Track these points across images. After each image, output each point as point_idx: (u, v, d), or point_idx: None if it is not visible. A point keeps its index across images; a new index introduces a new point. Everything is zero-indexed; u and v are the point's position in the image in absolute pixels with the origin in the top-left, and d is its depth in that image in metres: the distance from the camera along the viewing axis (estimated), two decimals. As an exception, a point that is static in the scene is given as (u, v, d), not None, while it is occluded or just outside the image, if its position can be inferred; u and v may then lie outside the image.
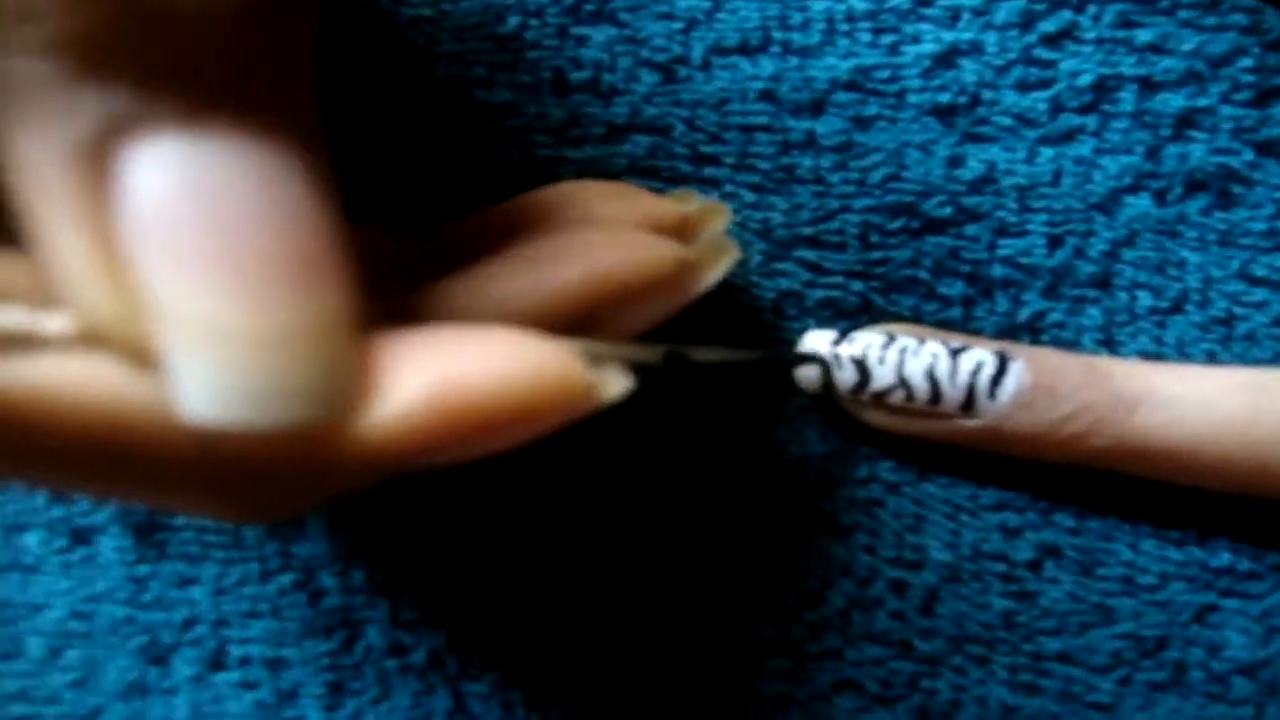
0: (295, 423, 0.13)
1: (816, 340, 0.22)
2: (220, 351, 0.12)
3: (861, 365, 0.22)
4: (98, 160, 0.12)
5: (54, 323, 0.13)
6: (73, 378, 0.13)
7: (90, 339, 0.13)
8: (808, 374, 0.22)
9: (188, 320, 0.12)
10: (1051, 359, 0.22)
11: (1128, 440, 0.21)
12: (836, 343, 0.22)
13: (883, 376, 0.22)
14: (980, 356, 0.22)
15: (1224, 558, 0.23)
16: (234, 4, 0.13)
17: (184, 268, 0.12)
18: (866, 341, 0.22)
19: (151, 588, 0.24)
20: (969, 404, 0.22)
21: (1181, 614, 0.22)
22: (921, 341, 0.22)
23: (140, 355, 0.13)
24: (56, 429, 0.13)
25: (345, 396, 0.13)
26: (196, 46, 0.13)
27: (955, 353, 0.22)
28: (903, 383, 0.22)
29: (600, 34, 0.25)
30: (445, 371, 0.14)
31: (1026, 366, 0.22)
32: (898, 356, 0.22)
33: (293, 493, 0.14)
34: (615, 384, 0.16)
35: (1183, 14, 0.25)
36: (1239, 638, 0.22)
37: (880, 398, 0.22)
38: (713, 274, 0.21)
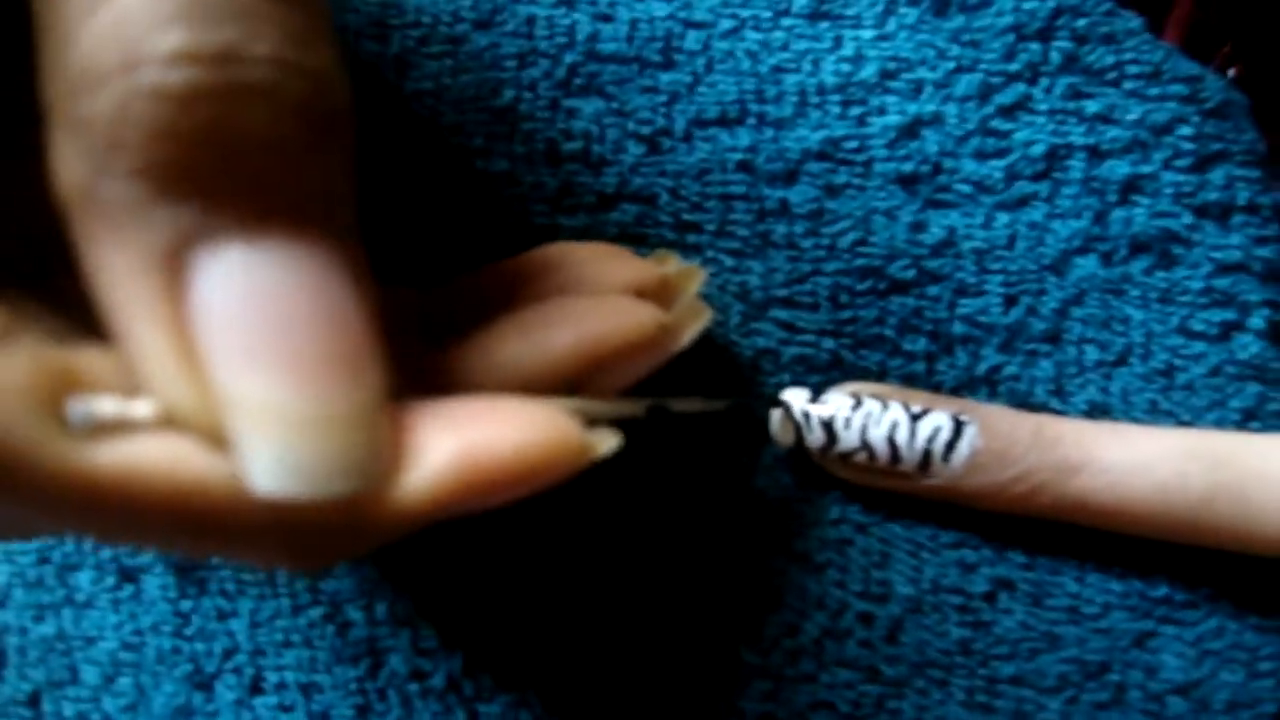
0: (343, 493, 0.15)
1: (793, 398, 0.24)
2: (281, 434, 0.14)
3: (829, 428, 0.24)
4: (172, 268, 0.14)
5: (140, 409, 0.15)
6: (158, 457, 0.15)
7: (171, 423, 0.15)
8: (781, 434, 0.24)
9: (253, 408, 0.14)
10: (1004, 423, 0.24)
11: (1069, 501, 0.23)
12: (811, 400, 0.24)
13: (848, 440, 0.23)
14: (938, 421, 0.23)
15: (1161, 589, 0.24)
16: (300, 131, 0.14)
17: (248, 363, 0.14)
18: (835, 405, 0.24)
19: (194, 621, 0.25)
20: (925, 466, 0.23)
21: (1122, 640, 0.24)
22: (885, 406, 0.24)
23: (214, 437, 0.15)
24: (145, 501, 0.14)
25: (383, 467, 0.15)
26: (258, 169, 0.14)
27: (915, 418, 0.23)
28: (865, 445, 0.23)
29: (589, 106, 0.27)
30: (469, 440, 0.16)
31: (979, 432, 0.23)
32: (862, 421, 0.23)
33: (337, 547, 0.16)
34: (606, 441, 0.18)
35: (1128, 85, 0.27)
36: (1174, 661, 0.24)
37: (846, 457, 0.24)
38: (689, 334, 0.22)
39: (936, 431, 0.23)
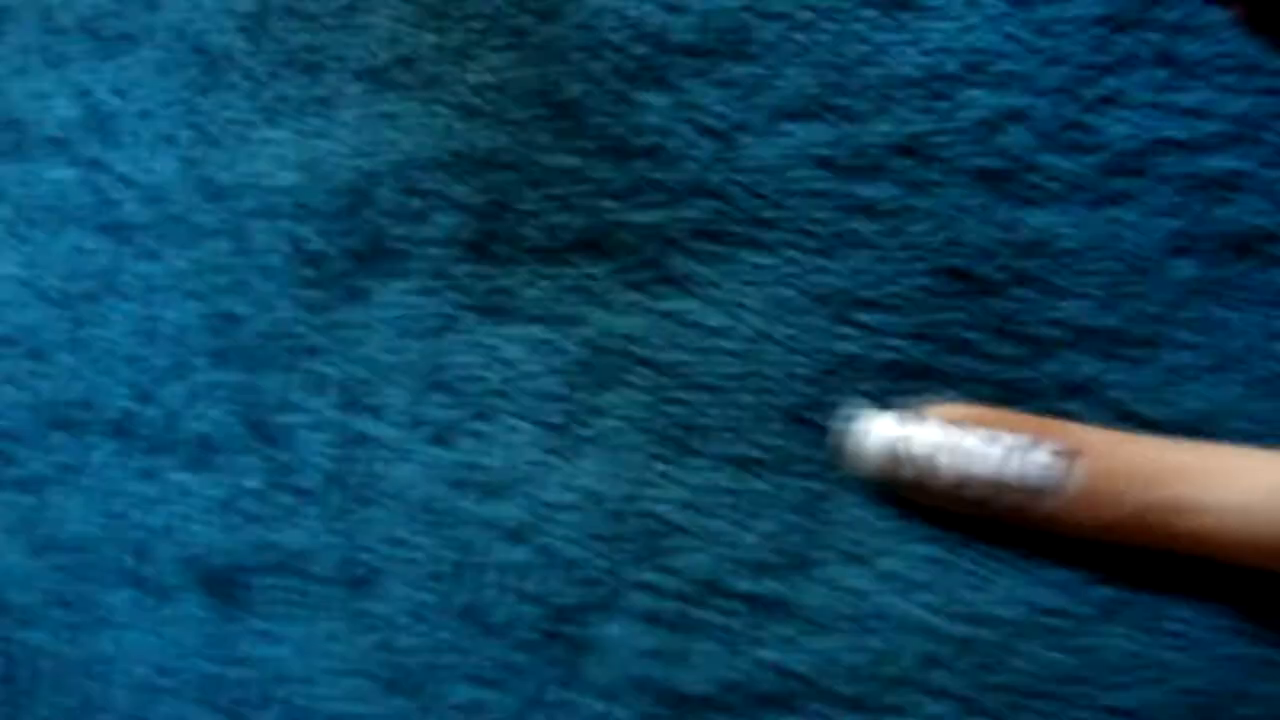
0: None
1: (879, 430, 0.21)
2: None
3: (922, 464, 0.20)
4: None
5: None
6: None
7: None
8: (870, 465, 0.21)
9: None
10: (1111, 459, 0.20)
11: (1185, 541, 0.20)
12: (899, 424, 0.21)
13: (944, 479, 0.20)
14: (1041, 459, 0.20)
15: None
16: None
17: None
18: (932, 440, 0.20)
19: (237, 645, 0.22)
20: (1026, 505, 0.20)
21: (1242, 668, 0.21)
22: (989, 443, 0.20)
23: None
24: None
25: None
26: None
27: (1019, 452, 0.20)
28: (963, 483, 0.20)
29: (660, 100, 0.23)
30: None
31: (1086, 469, 0.20)
32: (962, 461, 0.20)
33: None
34: None
35: (1221, 79, 0.23)
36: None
37: (941, 493, 0.20)
38: None
39: (1041, 469, 0.20)
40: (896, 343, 0.22)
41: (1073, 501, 0.20)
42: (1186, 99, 0.23)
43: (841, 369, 0.22)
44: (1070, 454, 0.20)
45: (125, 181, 0.24)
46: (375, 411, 0.22)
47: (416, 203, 0.23)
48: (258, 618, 0.22)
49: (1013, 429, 0.21)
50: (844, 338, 0.22)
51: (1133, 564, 0.21)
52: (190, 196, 0.23)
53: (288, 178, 0.24)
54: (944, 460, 0.20)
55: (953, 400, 0.22)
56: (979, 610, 0.21)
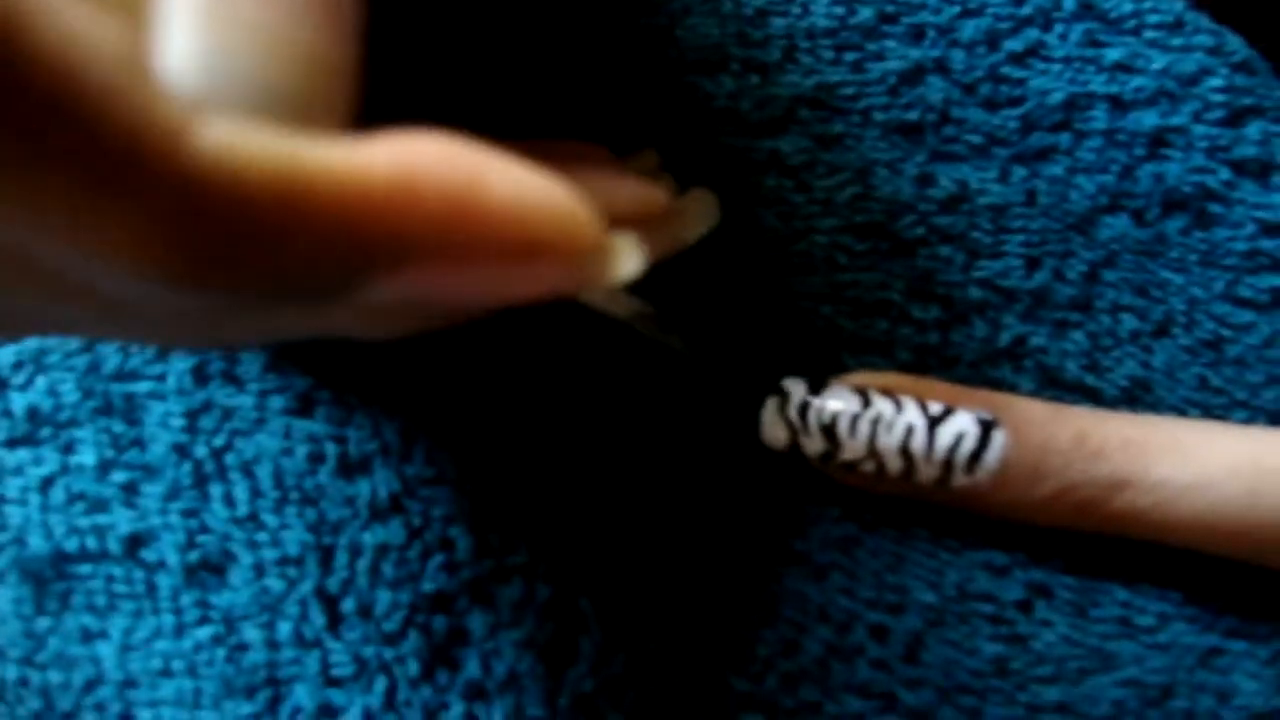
0: (253, 97, 0.09)
1: (784, 397, 0.18)
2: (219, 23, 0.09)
3: (831, 434, 0.17)
4: None
5: None
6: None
7: None
8: (772, 435, 0.18)
9: None
10: (1040, 428, 0.17)
11: (1118, 520, 0.17)
12: (810, 391, 0.18)
13: (853, 449, 0.17)
14: (960, 427, 0.17)
15: (1229, 595, 0.18)
16: None
17: None
18: (838, 405, 0.17)
19: (50, 644, 0.18)
20: (945, 478, 0.17)
21: (1186, 658, 0.18)
22: (898, 407, 0.17)
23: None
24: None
25: (309, 116, 0.10)
26: None
27: (934, 422, 0.17)
28: (874, 454, 0.17)
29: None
30: (433, 149, 0.10)
31: (1010, 439, 0.17)
32: (871, 426, 0.17)
33: (255, 242, 0.09)
34: (628, 259, 0.11)
35: (1149, 34, 0.21)
36: (1249, 683, 0.18)
37: (850, 467, 0.17)
38: (698, 226, 0.17)
39: (959, 439, 0.17)
40: (804, 305, 0.19)
41: (996, 477, 0.17)
42: (1112, 53, 0.21)
43: (744, 330, 0.19)
44: (992, 423, 0.17)
45: None
46: (229, 378, 0.19)
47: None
48: (75, 612, 0.18)
49: (929, 397, 0.18)
50: (746, 299, 0.19)
51: (1065, 544, 0.18)
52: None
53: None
54: (853, 430, 0.17)
55: (866, 367, 0.19)
56: (896, 596, 0.18)
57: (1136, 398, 0.19)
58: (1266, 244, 0.20)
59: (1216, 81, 0.21)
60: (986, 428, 0.17)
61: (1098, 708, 0.17)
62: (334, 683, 0.18)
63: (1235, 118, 0.21)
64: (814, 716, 0.17)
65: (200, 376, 0.19)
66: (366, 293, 0.10)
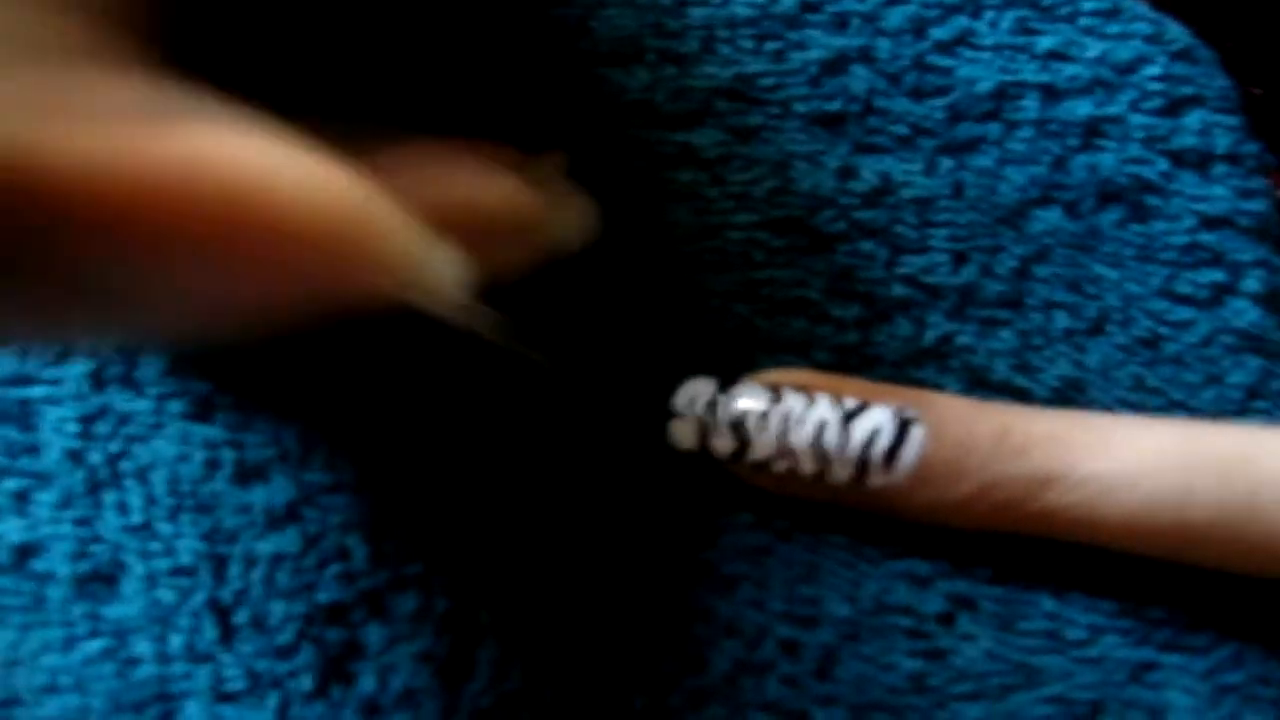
0: None
1: (693, 394, 0.17)
2: None
3: (740, 431, 0.16)
4: None
5: None
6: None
7: None
8: (680, 435, 0.17)
9: None
10: (960, 423, 0.16)
11: (1043, 518, 0.16)
12: (718, 391, 0.17)
13: (763, 446, 0.16)
14: (876, 421, 0.16)
15: (1161, 607, 0.17)
16: None
17: None
18: (747, 400, 0.16)
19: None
20: (860, 476, 0.16)
21: (1116, 673, 0.16)
22: (810, 402, 0.16)
23: None
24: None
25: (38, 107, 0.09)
26: None
27: (848, 417, 0.16)
28: (786, 452, 0.16)
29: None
30: (220, 145, 0.09)
31: (929, 434, 0.16)
32: (781, 423, 0.16)
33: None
34: (446, 266, 0.10)
35: (1084, 21, 0.20)
36: (1183, 699, 0.16)
37: (761, 466, 0.16)
38: (565, 227, 0.15)
39: (875, 435, 0.16)
40: (716, 303, 0.18)
41: (913, 475, 0.16)
42: (1045, 41, 0.20)
43: (653, 330, 0.18)
44: (910, 419, 0.16)
45: None
46: (126, 381, 0.18)
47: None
48: (-35, 624, 0.17)
49: (844, 394, 0.17)
50: (656, 298, 0.18)
51: (991, 552, 0.17)
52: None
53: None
54: (763, 426, 0.16)
55: (781, 367, 0.18)
56: (809, 609, 0.17)
57: (1069, 398, 0.18)
58: (1206, 237, 0.19)
59: (1154, 70, 0.20)
60: (904, 424, 0.16)
61: (1021, 725, 0.16)
62: (226, 698, 0.17)
63: (1174, 107, 0.19)
64: (720, 734, 0.16)
65: (97, 381, 0.18)
66: (116, 277, 0.09)
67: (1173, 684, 0.16)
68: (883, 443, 0.16)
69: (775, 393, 0.16)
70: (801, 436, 0.16)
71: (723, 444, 0.16)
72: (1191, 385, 0.18)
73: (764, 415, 0.16)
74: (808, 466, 0.16)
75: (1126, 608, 0.17)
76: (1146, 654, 0.17)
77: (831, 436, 0.16)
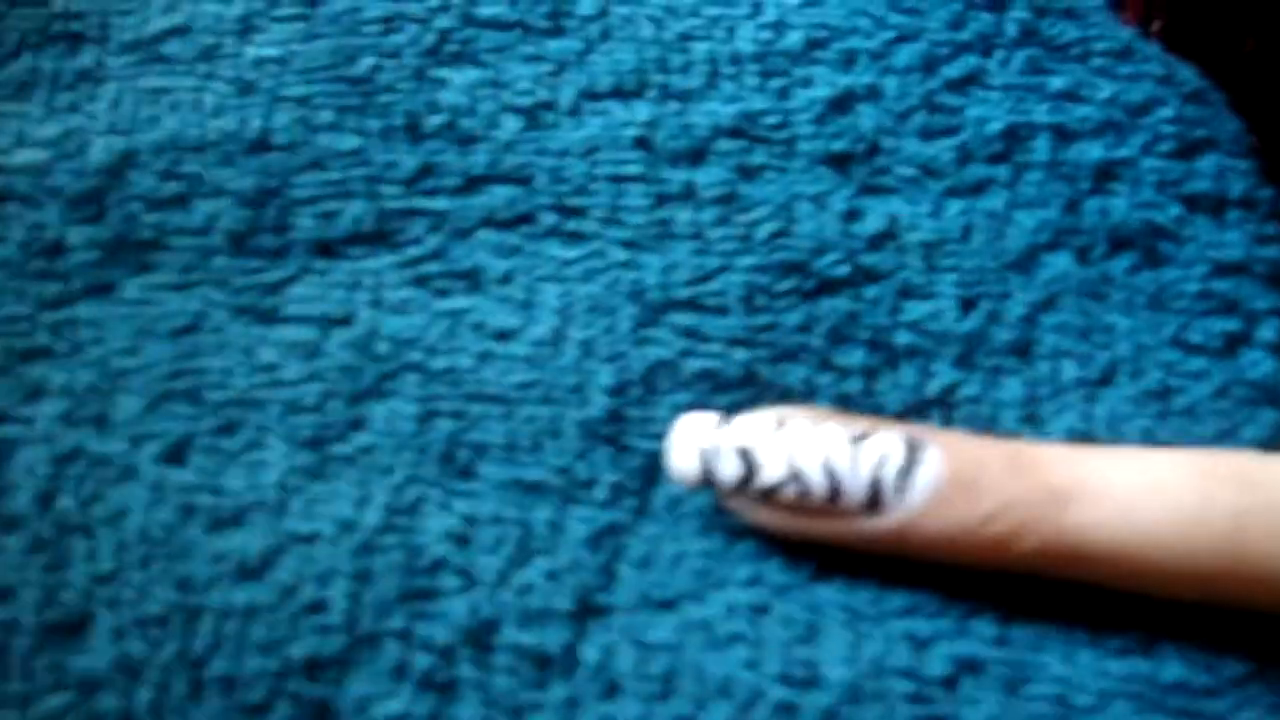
0: None
1: (694, 425, 0.16)
2: None
3: (747, 455, 0.15)
4: None
5: None
6: None
7: None
8: (684, 466, 0.16)
9: None
10: (969, 446, 0.16)
11: (1062, 541, 0.15)
12: (718, 428, 0.16)
13: (772, 469, 0.15)
14: (886, 444, 0.15)
15: (1174, 669, 0.16)
16: None
17: None
18: (753, 427, 0.16)
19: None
20: (874, 501, 0.15)
21: (1127, 742, 0.16)
22: (816, 426, 0.16)
23: None
24: None
25: None
26: None
27: (856, 439, 0.15)
28: (795, 476, 0.15)
29: (461, 77, 0.19)
30: None
31: (941, 455, 0.15)
32: (789, 445, 0.15)
33: None
34: None
35: (1096, 62, 0.19)
36: (1197, 771, 0.16)
37: (769, 494, 0.15)
38: None
39: (886, 456, 0.15)
40: (716, 348, 0.18)
41: (926, 494, 0.15)
42: (1056, 81, 0.19)
43: (649, 378, 0.17)
44: (919, 442, 0.15)
45: None
46: (101, 423, 0.17)
47: (175, 186, 0.19)
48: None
49: (849, 423, 0.16)
50: (653, 342, 0.18)
51: (997, 615, 0.16)
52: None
53: (27, 155, 0.19)
54: (768, 451, 0.15)
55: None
56: (807, 670, 0.16)
57: (1077, 452, 0.17)
58: (1220, 285, 0.18)
59: (1167, 112, 0.19)
60: (913, 447, 0.15)
61: (1027, 799, 0.15)
62: (197, 759, 0.16)
63: (1187, 150, 0.19)
64: (712, 804, 0.15)
65: (70, 421, 0.17)
66: None
67: (1186, 755, 0.16)
68: (895, 463, 0.15)
69: (780, 419, 0.16)
70: (811, 457, 0.15)
71: (728, 470, 0.16)
72: (1204, 439, 0.17)
73: (772, 437, 0.15)
74: (819, 490, 0.15)
75: (1137, 671, 0.16)
76: (1160, 722, 0.16)
77: (841, 456, 0.15)
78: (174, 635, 0.16)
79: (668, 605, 0.16)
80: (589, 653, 0.16)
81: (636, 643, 0.16)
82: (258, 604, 0.16)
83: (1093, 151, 0.19)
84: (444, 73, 0.19)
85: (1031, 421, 0.17)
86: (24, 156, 0.19)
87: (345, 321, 0.18)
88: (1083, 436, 0.17)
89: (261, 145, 0.19)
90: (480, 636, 0.16)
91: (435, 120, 0.19)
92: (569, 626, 0.16)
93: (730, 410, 0.17)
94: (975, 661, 0.16)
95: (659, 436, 0.17)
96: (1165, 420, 0.17)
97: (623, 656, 0.16)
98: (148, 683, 0.16)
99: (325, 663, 0.16)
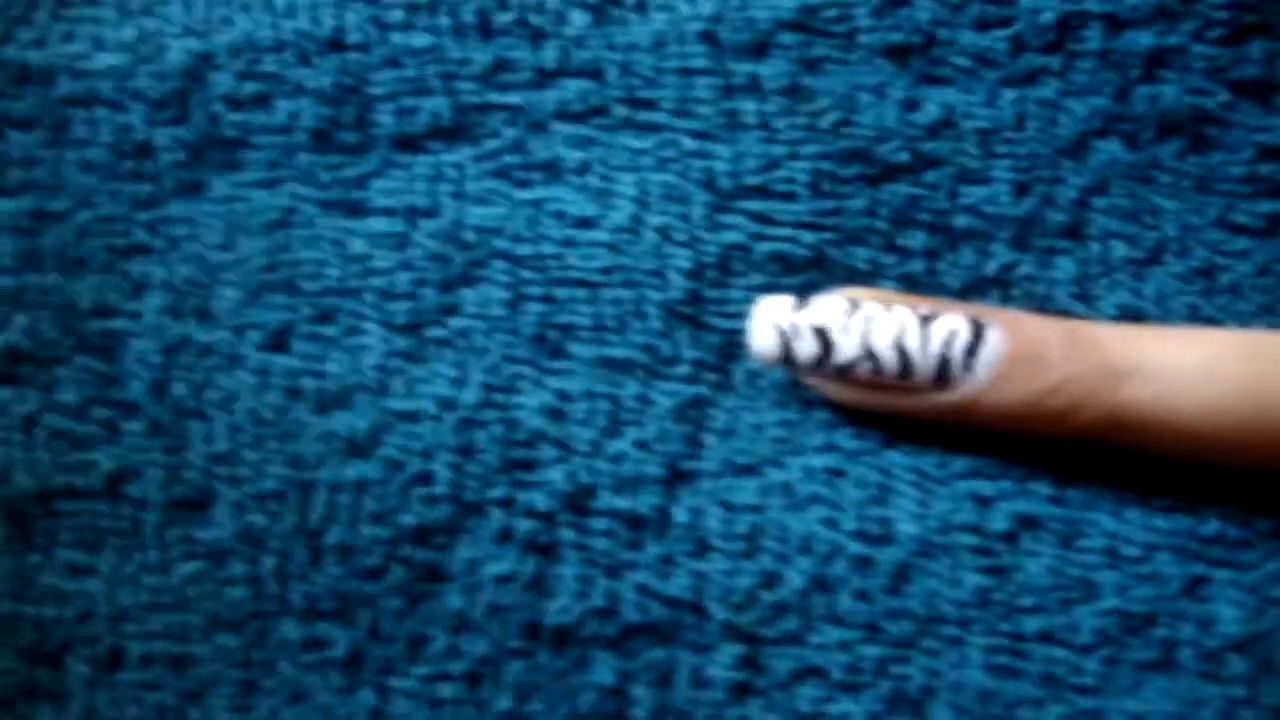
0: None
1: (774, 306, 0.17)
2: None
3: (823, 335, 0.16)
4: None
5: None
6: None
7: None
8: (763, 344, 0.17)
9: None
10: (1031, 325, 0.16)
11: (1119, 414, 0.16)
12: (795, 310, 0.17)
13: (847, 348, 0.16)
14: (953, 324, 0.16)
15: (1213, 525, 0.17)
16: None
17: None
18: (829, 309, 0.16)
19: (39, 580, 0.18)
20: (942, 376, 0.16)
21: (1169, 587, 0.17)
22: (888, 308, 0.16)
23: None
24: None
25: None
26: None
27: (925, 320, 0.16)
28: (869, 354, 0.16)
29: (530, -27, 0.19)
30: None
31: (1004, 334, 0.16)
32: (863, 325, 0.16)
33: None
34: None
35: (1147, -51, 0.19)
36: (1231, 611, 0.17)
37: (844, 371, 0.16)
38: None
39: (953, 335, 0.16)
40: (786, 232, 0.18)
41: (990, 370, 0.16)
42: (1108, -31, 0.19)
43: (724, 261, 0.18)
44: (984, 323, 0.16)
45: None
46: (204, 315, 0.18)
47: (254, 86, 0.19)
48: (64, 548, 0.18)
49: (917, 304, 0.17)
50: (727, 227, 0.18)
51: (1053, 475, 0.17)
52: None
53: (108, 59, 0.19)
54: (843, 331, 0.16)
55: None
56: (880, 527, 0.17)
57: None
58: (1264, 169, 0.19)
59: (1217, -3, 0.19)
60: (978, 326, 0.16)
61: (1079, 636, 0.17)
62: (319, 616, 0.17)
63: (1236, 36, 0.19)
64: (795, 646, 0.17)
65: (174, 313, 0.18)
66: None
67: (1221, 597, 0.17)
68: (961, 341, 0.16)
69: (853, 302, 0.17)
70: (884, 338, 0.16)
71: (806, 349, 0.16)
72: (1246, 314, 0.18)
73: (847, 318, 0.16)
74: (891, 367, 0.16)
75: (1179, 526, 0.17)
76: (1198, 569, 0.17)
77: (912, 335, 0.16)
78: (291, 508, 0.17)
79: (750, 470, 0.17)
80: (679, 514, 0.17)
81: (723, 504, 0.17)
82: (367, 478, 0.17)
83: (1143, 39, 0.19)
84: (511, -31, 0.19)
85: (1083, 299, 0.18)
86: (104, 60, 0.19)
87: (430, 213, 0.19)
88: (1132, 312, 0.18)
89: (336, 44, 0.19)
90: (578, 502, 0.17)
91: (504, 17, 0.19)
92: (660, 491, 0.17)
93: (802, 291, 0.18)
94: (1033, 518, 0.17)
95: (735, 316, 0.18)
96: (1210, 297, 0.18)
97: (711, 517, 0.17)
98: (271, 551, 0.17)
99: (434, 530, 0.17)
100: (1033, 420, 0.16)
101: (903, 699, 0.17)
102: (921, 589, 0.17)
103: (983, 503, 0.17)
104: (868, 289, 0.17)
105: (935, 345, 0.16)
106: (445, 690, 0.17)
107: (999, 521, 0.17)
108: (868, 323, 0.16)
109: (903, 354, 0.16)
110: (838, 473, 0.17)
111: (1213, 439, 0.16)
